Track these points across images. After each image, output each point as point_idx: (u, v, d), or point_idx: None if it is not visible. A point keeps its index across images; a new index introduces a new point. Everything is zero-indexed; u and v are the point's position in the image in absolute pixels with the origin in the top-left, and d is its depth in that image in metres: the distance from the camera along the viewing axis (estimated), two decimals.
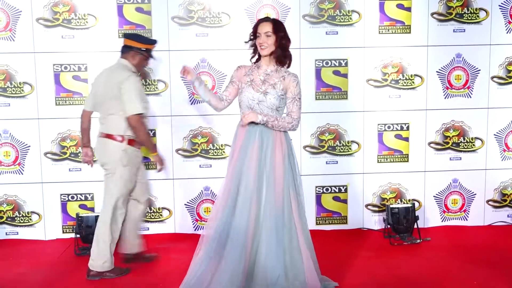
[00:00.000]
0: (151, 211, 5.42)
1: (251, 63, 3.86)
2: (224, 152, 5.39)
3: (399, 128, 5.48)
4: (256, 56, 3.81)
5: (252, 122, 3.70)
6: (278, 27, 3.70)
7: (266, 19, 3.75)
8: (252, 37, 3.75)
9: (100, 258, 4.27)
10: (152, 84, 5.26)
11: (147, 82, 5.26)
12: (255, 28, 3.72)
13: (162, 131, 5.33)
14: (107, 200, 4.32)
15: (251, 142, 3.71)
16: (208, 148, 5.38)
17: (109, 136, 4.26)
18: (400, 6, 5.35)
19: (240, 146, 3.74)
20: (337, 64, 5.35)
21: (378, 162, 5.52)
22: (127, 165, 4.29)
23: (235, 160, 3.75)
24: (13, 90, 5.20)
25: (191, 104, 5.32)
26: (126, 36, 4.40)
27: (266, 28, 3.67)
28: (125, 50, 4.38)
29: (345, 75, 5.35)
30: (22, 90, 5.20)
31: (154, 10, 5.19)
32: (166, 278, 4.30)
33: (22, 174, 5.29)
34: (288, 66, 3.83)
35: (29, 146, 5.27)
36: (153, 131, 5.30)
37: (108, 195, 4.33)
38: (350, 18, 5.31)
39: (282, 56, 3.75)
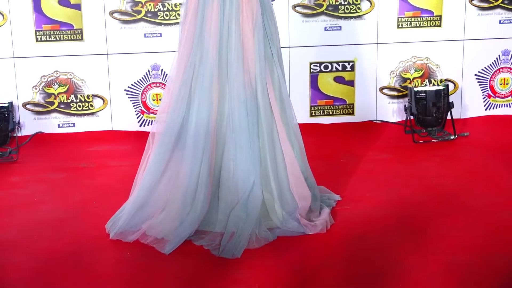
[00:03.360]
0: (77, 101, 5.46)
1: None
2: (178, 15, 5.38)
3: None
4: None
5: None
6: None
7: None
8: None
9: None
10: None
11: None
12: None
13: None
14: None
15: (208, 1, 3.72)
16: (156, 9, 5.37)
17: None
18: None
19: (194, 5, 3.75)
20: None
21: (398, 27, 5.55)
22: None
23: (188, 27, 3.77)
24: None
25: None
26: None
27: None
28: None
29: None
30: None
31: None
32: (103, 191, 4.37)
33: None
34: None
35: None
36: None
37: None
38: None
39: None
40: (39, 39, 5.39)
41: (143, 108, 5.53)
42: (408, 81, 5.63)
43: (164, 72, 5.46)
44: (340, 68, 5.52)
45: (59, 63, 5.43)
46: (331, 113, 5.58)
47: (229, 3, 3.71)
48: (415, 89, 5.32)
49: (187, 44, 3.76)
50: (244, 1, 3.72)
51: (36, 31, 5.37)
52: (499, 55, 5.68)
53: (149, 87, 5.50)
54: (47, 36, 5.39)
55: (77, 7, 5.38)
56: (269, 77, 3.80)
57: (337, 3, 5.45)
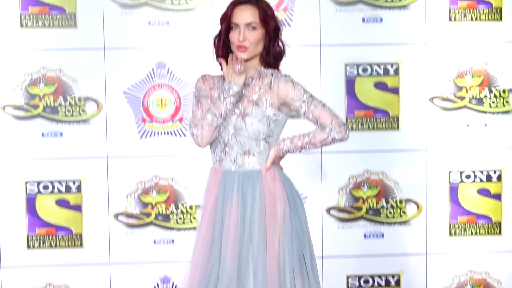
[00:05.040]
0: None
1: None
2: (194, 218, 5.45)
3: (485, 179, 5.58)
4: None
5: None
6: (266, 13, 3.80)
7: (247, 0, 3.82)
8: (222, 28, 3.84)
9: None
10: (76, 104, 5.37)
11: (68, 101, 5.36)
12: (229, 14, 3.81)
13: (92, 182, 5.46)
14: None
15: (227, 201, 3.79)
16: (168, 212, 5.45)
17: None
18: None
19: (210, 208, 3.83)
20: (382, 73, 5.43)
21: (450, 235, 5.59)
22: None
23: (204, 232, 3.83)
24: None
25: (142, 137, 5.41)
26: None
27: (249, 16, 3.77)
28: None
29: (395, 90, 5.43)
30: None
31: None
32: None
33: None
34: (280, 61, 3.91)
35: None
36: (76, 184, 5.43)
37: None
38: None
39: (273, 55, 3.87)
40: (31, 246, 5.42)
41: None
42: None
43: (176, 286, 5.47)
44: (382, 283, 5.54)
45: (53, 273, 5.43)
46: None
47: (250, 204, 3.75)
48: None
49: (200, 255, 3.81)
50: (267, 200, 3.75)
51: (28, 236, 5.41)
52: None
53: None
54: (41, 243, 5.43)
55: (78, 208, 5.45)
56: None
57: (378, 206, 5.51)
